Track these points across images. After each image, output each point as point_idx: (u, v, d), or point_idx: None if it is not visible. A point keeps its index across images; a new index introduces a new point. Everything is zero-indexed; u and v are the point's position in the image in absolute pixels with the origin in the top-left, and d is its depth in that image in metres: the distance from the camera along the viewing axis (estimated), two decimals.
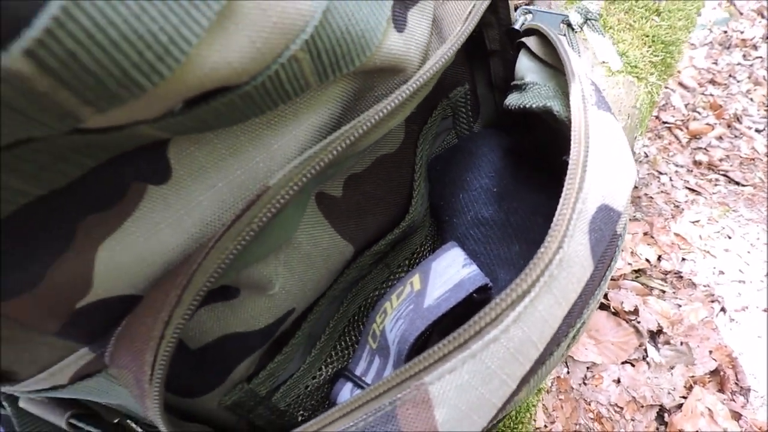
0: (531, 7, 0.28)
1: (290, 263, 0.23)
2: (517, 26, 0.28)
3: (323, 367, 0.30)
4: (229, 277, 0.20)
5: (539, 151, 0.30)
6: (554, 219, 0.17)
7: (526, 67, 0.26)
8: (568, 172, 0.18)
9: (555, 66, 0.25)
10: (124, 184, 0.16)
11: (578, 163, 0.18)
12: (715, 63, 1.40)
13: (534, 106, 0.24)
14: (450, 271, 0.27)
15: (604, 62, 0.38)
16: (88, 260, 0.16)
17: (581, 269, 0.18)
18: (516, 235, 0.28)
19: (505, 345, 0.16)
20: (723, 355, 0.82)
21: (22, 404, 0.28)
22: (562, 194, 0.18)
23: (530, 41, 0.26)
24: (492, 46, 0.30)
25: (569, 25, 0.27)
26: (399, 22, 0.19)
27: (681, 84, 1.31)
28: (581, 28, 0.25)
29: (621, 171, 0.20)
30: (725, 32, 1.47)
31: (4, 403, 0.29)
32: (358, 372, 0.29)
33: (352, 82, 0.19)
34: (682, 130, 1.21)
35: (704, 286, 0.93)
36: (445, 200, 0.32)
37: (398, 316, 0.27)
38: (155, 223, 0.17)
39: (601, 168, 0.19)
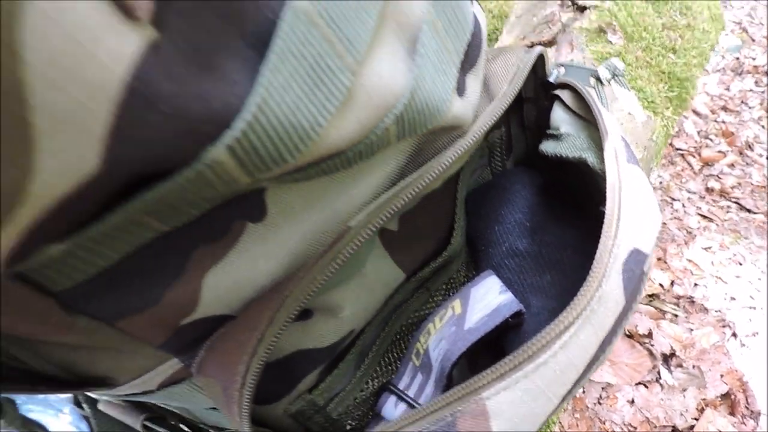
0: (564, 62, 0.31)
1: (358, 290, 0.25)
2: (551, 79, 0.31)
3: (370, 381, 0.32)
4: (309, 302, 0.23)
5: (569, 190, 0.33)
6: (593, 263, 0.20)
7: (560, 118, 0.29)
8: (605, 223, 0.21)
9: (587, 119, 0.28)
10: (229, 221, 0.18)
11: (613, 215, 0.21)
12: (728, 89, 1.42)
13: (570, 156, 0.27)
14: (488, 298, 0.30)
15: (629, 113, 0.41)
16: (197, 285, 0.18)
17: (615, 304, 0.21)
18: (547, 265, 0.31)
19: (553, 368, 0.19)
20: (734, 379, 0.83)
21: (100, 406, 0.31)
22: (600, 242, 0.21)
23: (564, 95, 0.30)
24: (527, 95, 0.33)
25: (598, 79, 0.31)
26: (460, 88, 0.23)
27: (694, 111, 1.33)
28: (609, 82, 0.28)
29: (648, 218, 0.23)
30: (737, 59, 1.50)
31: (84, 405, 0.32)
32: (401, 386, 0.32)
33: (418, 138, 0.22)
34: (694, 156, 1.23)
35: (716, 311, 0.94)
36: (480, 232, 0.34)
37: (441, 337, 0.30)
38: (252, 255, 0.19)
39: (632, 218, 0.22)
